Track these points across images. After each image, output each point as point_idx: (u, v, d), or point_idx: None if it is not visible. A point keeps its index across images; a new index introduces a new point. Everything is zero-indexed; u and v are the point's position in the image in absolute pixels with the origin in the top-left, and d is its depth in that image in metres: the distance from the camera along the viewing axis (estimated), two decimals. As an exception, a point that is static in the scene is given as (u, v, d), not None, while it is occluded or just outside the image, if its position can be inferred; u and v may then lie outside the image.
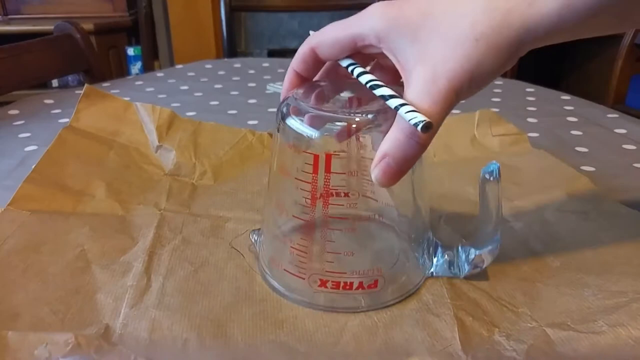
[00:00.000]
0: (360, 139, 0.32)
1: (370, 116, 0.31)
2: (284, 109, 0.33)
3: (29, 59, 0.90)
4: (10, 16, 2.16)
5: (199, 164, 0.54)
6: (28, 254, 0.37)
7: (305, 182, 0.32)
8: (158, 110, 0.58)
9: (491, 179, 0.31)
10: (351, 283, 0.34)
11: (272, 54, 2.47)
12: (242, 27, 2.45)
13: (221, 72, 0.98)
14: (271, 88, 0.87)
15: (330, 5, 1.69)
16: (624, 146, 0.62)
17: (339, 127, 0.32)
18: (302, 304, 0.34)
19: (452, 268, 0.36)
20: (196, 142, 0.57)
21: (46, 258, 0.37)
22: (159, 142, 0.56)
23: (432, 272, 0.36)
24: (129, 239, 0.40)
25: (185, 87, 0.87)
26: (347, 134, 0.31)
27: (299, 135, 0.32)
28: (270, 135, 0.61)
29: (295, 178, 0.33)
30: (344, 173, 0.33)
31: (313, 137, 0.32)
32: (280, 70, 1.00)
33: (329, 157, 0.31)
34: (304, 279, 0.34)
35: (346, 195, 0.34)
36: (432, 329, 0.32)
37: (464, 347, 0.30)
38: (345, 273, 0.34)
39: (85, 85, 0.59)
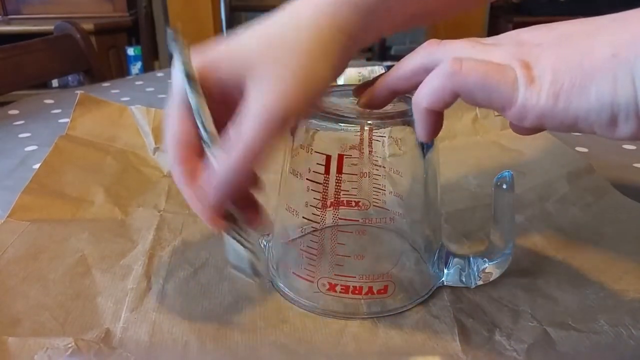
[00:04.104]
0: (373, 142, 0.32)
1: (380, 120, 0.31)
2: None
3: (29, 59, 0.90)
4: (10, 16, 2.16)
5: None
6: (28, 261, 0.37)
7: (317, 182, 0.32)
8: (153, 112, 0.58)
9: (505, 187, 0.31)
10: (360, 287, 0.33)
11: (272, 53, 2.47)
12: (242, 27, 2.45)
13: (221, 72, 0.98)
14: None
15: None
16: (624, 146, 0.62)
17: (351, 130, 0.32)
18: (310, 309, 0.34)
19: (462, 278, 0.35)
20: None
21: (46, 265, 0.37)
22: (155, 144, 0.56)
23: (442, 281, 0.36)
24: (129, 242, 0.40)
25: (185, 87, 0.87)
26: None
27: (312, 137, 0.32)
28: None
29: (307, 179, 0.33)
30: (356, 174, 0.33)
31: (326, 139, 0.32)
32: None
33: (341, 158, 0.31)
34: (312, 282, 0.34)
35: (357, 204, 0.34)
36: (432, 330, 0.32)
37: (464, 348, 0.30)
38: (355, 277, 0.33)
39: (79, 93, 0.59)
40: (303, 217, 0.34)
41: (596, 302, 0.34)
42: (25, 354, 0.29)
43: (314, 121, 0.32)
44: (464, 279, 0.35)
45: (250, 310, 0.33)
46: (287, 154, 0.35)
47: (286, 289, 0.35)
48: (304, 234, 0.35)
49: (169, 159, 0.30)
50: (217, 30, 2.31)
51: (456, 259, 0.35)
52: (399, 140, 0.33)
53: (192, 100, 0.28)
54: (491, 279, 0.34)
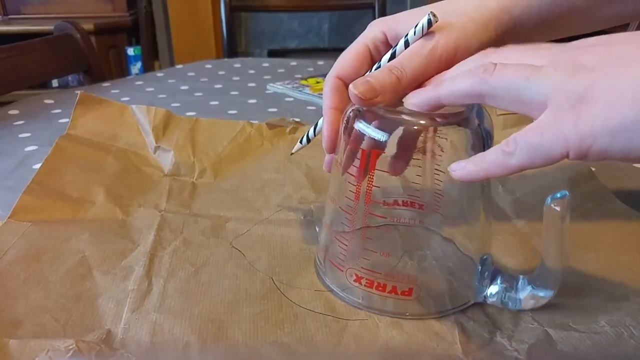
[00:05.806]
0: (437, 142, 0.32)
1: (435, 120, 0.31)
2: (351, 113, 0.33)
3: (29, 59, 0.89)
4: (10, 16, 2.16)
5: (198, 162, 0.54)
6: (29, 263, 0.37)
7: (353, 175, 0.33)
8: (153, 110, 0.58)
9: (558, 209, 0.28)
10: (384, 285, 0.34)
11: (272, 54, 2.47)
12: (242, 27, 2.45)
13: (221, 72, 0.98)
14: (271, 88, 0.87)
15: (331, 5, 1.69)
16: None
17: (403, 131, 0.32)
18: (339, 297, 0.35)
19: (505, 299, 0.33)
20: (194, 140, 0.57)
21: (47, 266, 0.37)
22: (156, 143, 0.56)
23: (483, 297, 0.34)
24: (130, 242, 0.40)
25: (185, 87, 0.87)
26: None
27: (364, 138, 0.32)
28: (268, 125, 0.61)
29: (347, 172, 0.34)
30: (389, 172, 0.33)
31: (382, 140, 0.31)
32: (280, 70, 1.00)
33: (374, 154, 0.32)
34: (342, 271, 0.35)
35: (412, 203, 0.34)
36: (433, 331, 0.32)
37: (464, 349, 0.30)
38: (380, 273, 0.34)
39: (79, 92, 0.59)
40: (339, 208, 0.35)
41: (596, 305, 0.34)
42: (27, 356, 0.29)
43: (368, 124, 0.32)
44: (508, 302, 0.33)
45: (251, 310, 0.33)
46: (340, 151, 0.35)
47: (325, 277, 0.36)
48: (339, 223, 0.36)
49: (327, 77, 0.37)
50: (217, 30, 2.31)
51: (504, 277, 0.33)
52: (452, 142, 0.32)
53: (412, 35, 0.33)
54: (523, 307, 0.33)
